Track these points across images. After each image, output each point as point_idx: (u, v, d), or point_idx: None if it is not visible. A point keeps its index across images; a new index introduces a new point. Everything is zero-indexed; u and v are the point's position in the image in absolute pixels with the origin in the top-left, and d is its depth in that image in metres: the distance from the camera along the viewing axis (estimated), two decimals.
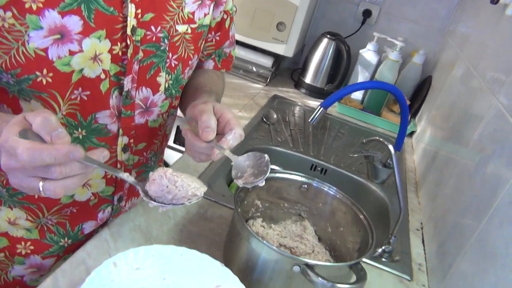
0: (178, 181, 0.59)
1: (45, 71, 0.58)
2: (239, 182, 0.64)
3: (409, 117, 1.54)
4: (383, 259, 0.91)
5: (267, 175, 0.63)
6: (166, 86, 0.72)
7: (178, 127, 1.52)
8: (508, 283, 0.59)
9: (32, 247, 0.73)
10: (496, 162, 0.80)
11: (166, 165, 1.49)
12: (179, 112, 0.87)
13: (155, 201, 0.59)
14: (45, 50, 0.57)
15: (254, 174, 0.64)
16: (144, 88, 0.69)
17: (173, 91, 0.75)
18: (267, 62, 1.74)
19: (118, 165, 0.73)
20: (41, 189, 0.47)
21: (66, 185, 0.48)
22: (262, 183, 0.63)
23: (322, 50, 1.73)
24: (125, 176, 0.57)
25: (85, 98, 0.63)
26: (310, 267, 0.62)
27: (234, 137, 0.62)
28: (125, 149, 0.73)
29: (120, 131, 0.70)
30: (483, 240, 0.73)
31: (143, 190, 0.59)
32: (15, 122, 0.48)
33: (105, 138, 0.69)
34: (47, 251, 0.75)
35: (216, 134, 0.62)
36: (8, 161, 0.47)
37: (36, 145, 0.45)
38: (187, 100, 0.80)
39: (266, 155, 0.65)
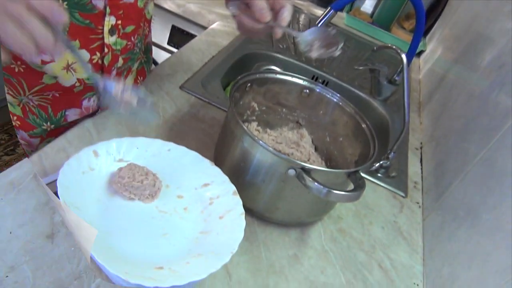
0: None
1: None
2: (312, 54, 0.64)
3: None
4: (379, 174, 0.88)
5: (341, 44, 0.63)
6: None
7: (173, 27, 1.41)
8: None
9: (19, 122, 0.72)
10: None
11: (155, 63, 1.40)
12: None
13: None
14: None
15: (323, 46, 0.64)
16: None
17: None
18: None
19: (106, 49, 0.67)
20: None
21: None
22: (338, 52, 0.63)
23: None
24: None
25: None
26: (306, 171, 0.58)
27: (289, 13, 0.63)
28: (112, 31, 0.65)
29: (107, 9, 0.63)
30: (490, 159, 0.68)
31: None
32: None
33: (90, 15, 0.62)
34: (31, 131, 0.73)
35: None
36: None
37: None
38: None
39: (332, 28, 0.63)
